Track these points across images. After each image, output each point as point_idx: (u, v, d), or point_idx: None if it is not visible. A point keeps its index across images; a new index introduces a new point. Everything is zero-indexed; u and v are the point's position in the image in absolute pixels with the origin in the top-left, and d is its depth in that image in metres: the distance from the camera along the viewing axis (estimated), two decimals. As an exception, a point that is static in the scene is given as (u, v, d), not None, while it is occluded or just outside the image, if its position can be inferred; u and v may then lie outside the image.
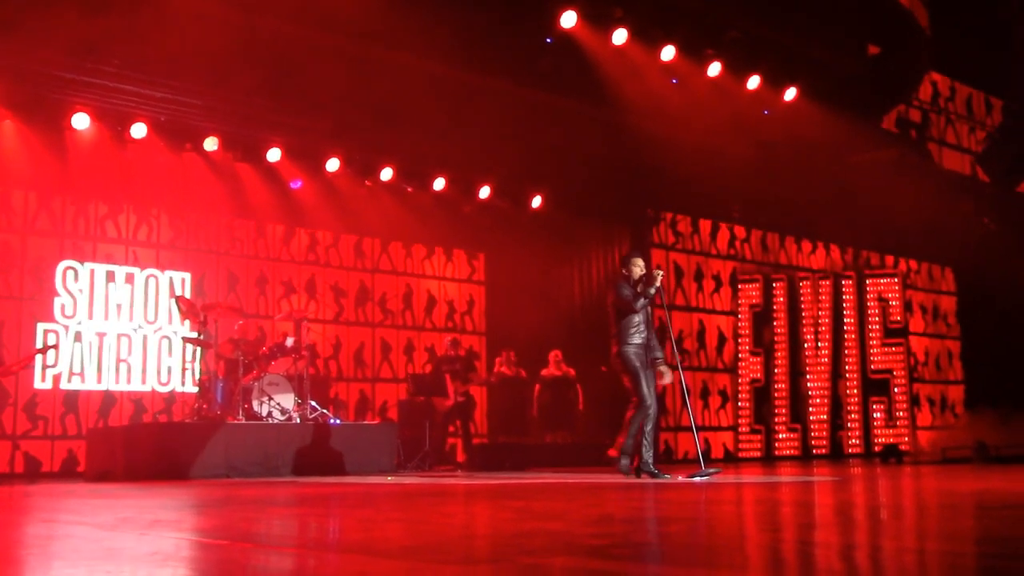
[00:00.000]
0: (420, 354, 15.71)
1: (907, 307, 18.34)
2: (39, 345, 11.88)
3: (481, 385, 14.73)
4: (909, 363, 17.69)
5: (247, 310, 13.86)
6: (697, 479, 8.15)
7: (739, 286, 16.96)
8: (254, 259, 14.22)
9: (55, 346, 11.89)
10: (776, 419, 16.67)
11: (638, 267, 8.67)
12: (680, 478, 8.37)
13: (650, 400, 8.40)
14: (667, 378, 8.69)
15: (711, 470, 8.66)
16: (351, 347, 14.98)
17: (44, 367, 12.27)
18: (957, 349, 20.54)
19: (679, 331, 15.97)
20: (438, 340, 15.78)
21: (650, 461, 8.38)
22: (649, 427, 8.39)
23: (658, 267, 8.61)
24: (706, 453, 15.93)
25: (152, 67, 11.18)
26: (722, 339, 16.72)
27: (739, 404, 16.67)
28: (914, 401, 17.94)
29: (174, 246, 13.51)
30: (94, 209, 12.93)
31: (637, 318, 8.52)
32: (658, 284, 8.52)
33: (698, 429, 15.90)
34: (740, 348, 16.80)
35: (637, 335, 8.51)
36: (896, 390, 17.12)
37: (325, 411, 11.68)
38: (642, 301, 8.49)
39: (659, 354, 8.65)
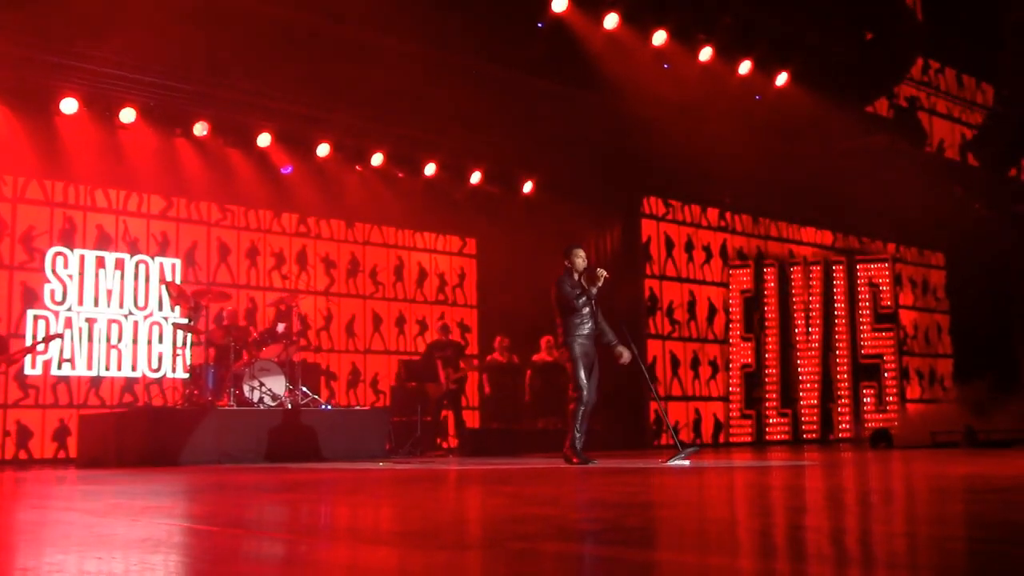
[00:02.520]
0: (411, 326, 15.76)
1: (896, 280, 18.46)
2: (41, 336, 11.83)
3: (473, 371, 14.74)
4: (899, 348, 17.75)
5: (238, 282, 13.91)
6: (676, 462, 8.20)
7: (730, 271, 16.99)
8: (244, 231, 14.19)
9: (59, 335, 11.86)
10: (767, 404, 16.72)
11: (580, 259, 8.75)
12: (662, 463, 8.41)
13: (587, 389, 8.50)
14: (625, 356, 8.72)
15: (690, 449, 8.70)
16: (342, 319, 15.01)
17: (34, 355, 12.23)
18: (946, 323, 20.65)
19: (669, 302, 16.01)
20: (429, 312, 15.87)
21: (578, 446, 8.47)
22: (582, 413, 8.48)
23: (601, 269, 8.67)
24: (696, 424, 16.06)
25: (141, 52, 11.11)
26: (712, 310, 16.78)
27: (730, 389, 16.72)
28: (903, 374, 18.03)
29: (165, 216, 13.47)
30: (84, 184, 12.88)
31: (583, 311, 8.61)
32: (599, 284, 8.60)
33: (689, 400, 16.11)
34: (731, 333, 16.84)
35: (583, 327, 8.59)
36: (886, 375, 17.17)
37: (316, 397, 11.68)
38: (583, 300, 8.57)
39: (612, 339, 8.73)
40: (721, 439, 16.52)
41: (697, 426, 16.15)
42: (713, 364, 16.64)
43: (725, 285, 16.97)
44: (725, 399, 16.69)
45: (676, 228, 16.41)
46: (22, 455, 12.09)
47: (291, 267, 14.57)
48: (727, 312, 16.88)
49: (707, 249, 16.84)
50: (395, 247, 15.82)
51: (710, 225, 16.98)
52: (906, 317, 19.34)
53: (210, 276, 13.73)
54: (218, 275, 13.83)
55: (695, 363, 16.36)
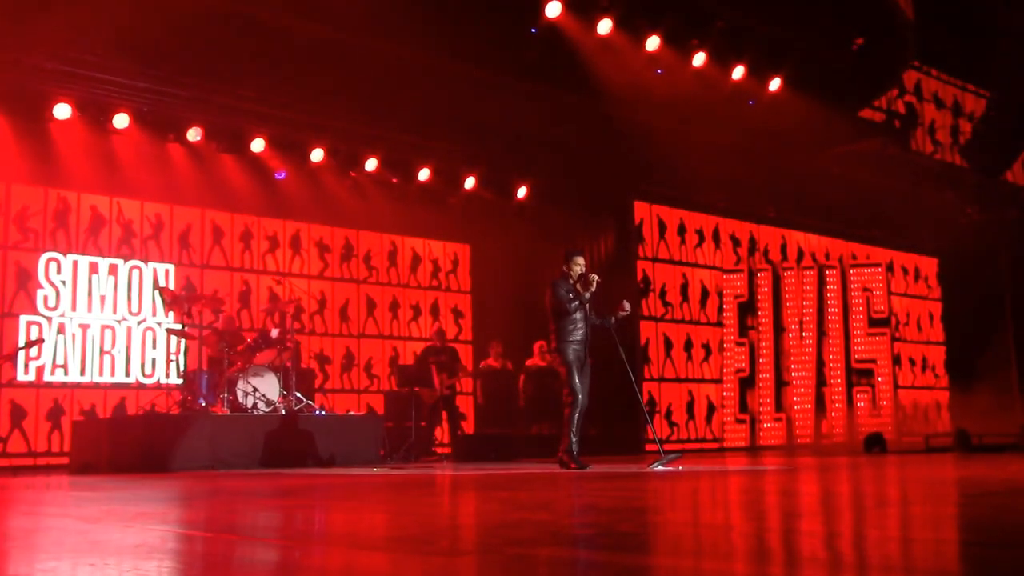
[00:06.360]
0: (405, 311, 15.78)
1: (889, 268, 18.61)
2: (22, 342, 11.78)
3: (467, 376, 14.73)
4: (893, 353, 17.78)
5: (232, 264, 13.96)
6: (658, 467, 8.23)
7: (724, 277, 17.02)
8: (238, 214, 14.17)
9: (40, 341, 11.82)
10: (761, 409, 16.73)
11: (578, 266, 8.83)
12: (647, 467, 8.42)
13: (580, 393, 8.56)
14: (627, 305, 8.90)
15: (671, 456, 8.74)
16: (336, 303, 15.04)
17: (27, 360, 12.20)
18: (938, 311, 20.73)
19: (662, 284, 16.08)
20: (423, 298, 15.94)
21: (573, 451, 8.52)
22: (576, 418, 8.52)
23: (593, 275, 8.76)
24: (689, 406, 16.08)
25: (134, 57, 11.10)
26: (705, 293, 16.82)
27: (724, 394, 16.74)
28: (895, 361, 18.09)
29: (160, 200, 13.41)
30: (78, 190, 12.86)
31: (576, 316, 8.66)
32: (593, 289, 8.70)
33: (682, 382, 16.14)
34: (725, 338, 16.86)
35: (576, 332, 8.66)
36: (880, 379, 17.20)
37: (310, 402, 11.66)
38: (575, 304, 8.65)
39: (608, 321, 8.88)
40: (715, 422, 16.53)
41: (690, 408, 16.19)
42: (706, 347, 16.69)
43: (719, 269, 17.02)
44: (719, 381, 16.73)
45: (668, 211, 16.46)
46: (16, 437, 12.01)
47: (285, 251, 14.58)
48: (720, 297, 16.93)
49: (699, 232, 16.90)
50: (389, 232, 15.83)
51: (702, 208, 17.02)
52: (898, 304, 19.46)
53: (204, 258, 13.75)
54: (212, 257, 13.83)
55: (688, 345, 16.41)
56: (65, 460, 11.69)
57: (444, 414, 13.69)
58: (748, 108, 14.76)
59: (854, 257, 18.81)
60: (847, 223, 18.67)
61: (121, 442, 10.55)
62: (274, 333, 11.68)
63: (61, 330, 12.51)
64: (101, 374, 12.77)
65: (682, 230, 16.63)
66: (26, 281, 12.33)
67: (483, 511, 4.72)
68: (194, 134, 12.23)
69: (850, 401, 17.06)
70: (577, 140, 14.31)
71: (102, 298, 12.88)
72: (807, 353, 17.01)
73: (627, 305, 8.88)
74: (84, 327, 12.71)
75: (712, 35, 13.39)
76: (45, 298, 12.44)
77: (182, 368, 12.89)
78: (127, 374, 12.99)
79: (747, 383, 16.77)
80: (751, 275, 17.02)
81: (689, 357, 16.42)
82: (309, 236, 14.90)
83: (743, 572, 2.62)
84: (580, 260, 8.87)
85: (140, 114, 11.80)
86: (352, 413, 13.70)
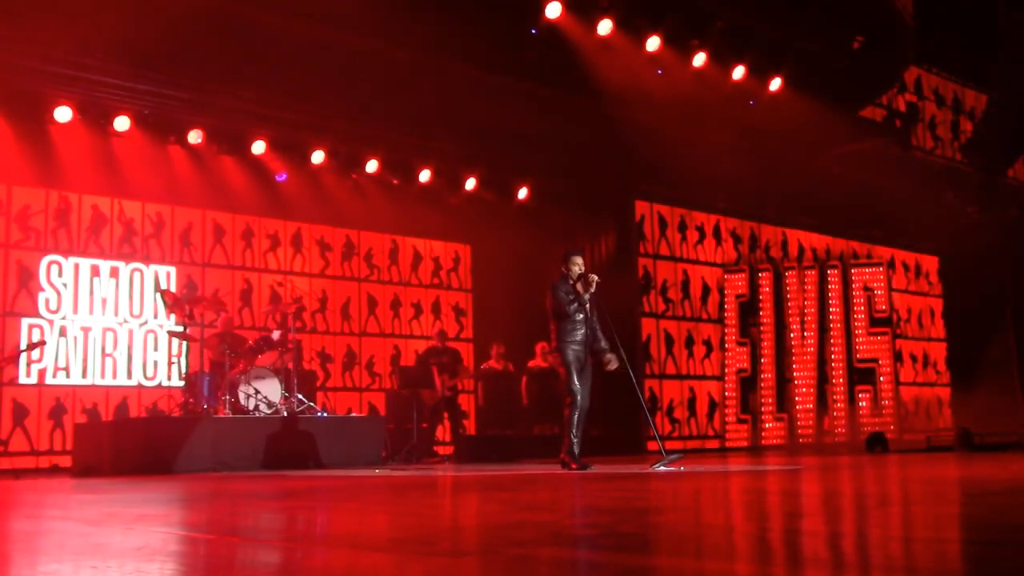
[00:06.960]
0: (406, 310, 15.80)
1: (890, 265, 18.66)
2: (24, 344, 11.77)
3: (469, 378, 14.74)
4: (894, 351, 17.79)
5: (233, 263, 13.99)
6: (660, 468, 8.23)
7: (725, 276, 17.02)
8: (239, 213, 14.16)
9: (41, 343, 11.82)
10: (762, 409, 16.73)
11: (577, 266, 8.80)
12: (649, 468, 8.42)
13: (579, 394, 8.56)
14: (613, 364, 8.77)
15: (673, 456, 8.73)
16: (337, 301, 15.06)
17: (29, 363, 12.20)
18: (939, 307, 20.75)
19: (663, 281, 16.10)
20: (424, 296, 15.96)
21: (575, 452, 8.52)
22: (576, 418, 8.52)
23: (593, 275, 8.73)
24: (691, 403, 16.09)
25: (135, 60, 11.10)
26: (706, 289, 16.83)
27: (725, 394, 16.74)
28: (896, 357, 18.09)
29: (161, 201, 13.40)
30: (78, 192, 12.87)
31: (576, 317, 8.66)
32: (592, 289, 8.68)
33: (683, 379, 16.14)
34: (726, 338, 16.86)
35: (576, 333, 8.64)
36: (882, 379, 17.19)
37: (312, 404, 11.66)
38: (575, 307, 8.64)
39: (604, 344, 8.77)
40: (716, 419, 16.53)
41: (692, 405, 16.20)
42: (707, 343, 16.69)
43: (720, 265, 17.04)
44: (720, 378, 16.73)
45: (668, 209, 16.47)
46: (18, 435, 12.01)
47: (286, 249, 14.60)
48: (721, 293, 16.93)
49: (700, 229, 16.91)
50: (390, 232, 15.84)
51: (703, 205, 17.03)
52: (899, 300, 19.47)
53: (205, 257, 13.77)
54: (213, 256, 13.86)
55: (689, 342, 16.42)
56: (67, 459, 11.70)
57: (445, 415, 13.70)
58: (748, 108, 14.75)
59: (855, 256, 18.80)
60: (847, 223, 18.67)
61: (123, 444, 10.56)
62: (275, 335, 11.68)
63: (63, 333, 12.51)
64: (103, 376, 12.77)
65: (683, 227, 16.65)
66: (27, 280, 12.33)
67: (485, 512, 4.72)
68: (195, 136, 12.24)
69: (852, 400, 17.06)
70: (577, 140, 14.30)
71: (103, 300, 12.88)
72: (809, 352, 17.01)
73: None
74: (86, 330, 12.71)
75: (712, 35, 13.39)
76: (47, 301, 12.44)
77: (184, 370, 12.90)
78: (129, 376, 13.00)
79: (749, 382, 16.77)
80: (752, 273, 17.02)
81: (690, 354, 16.42)
82: (310, 234, 14.93)
83: (745, 572, 2.63)
84: (579, 260, 8.84)
85: (141, 116, 11.81)
86: (354, 414, 13.71)
